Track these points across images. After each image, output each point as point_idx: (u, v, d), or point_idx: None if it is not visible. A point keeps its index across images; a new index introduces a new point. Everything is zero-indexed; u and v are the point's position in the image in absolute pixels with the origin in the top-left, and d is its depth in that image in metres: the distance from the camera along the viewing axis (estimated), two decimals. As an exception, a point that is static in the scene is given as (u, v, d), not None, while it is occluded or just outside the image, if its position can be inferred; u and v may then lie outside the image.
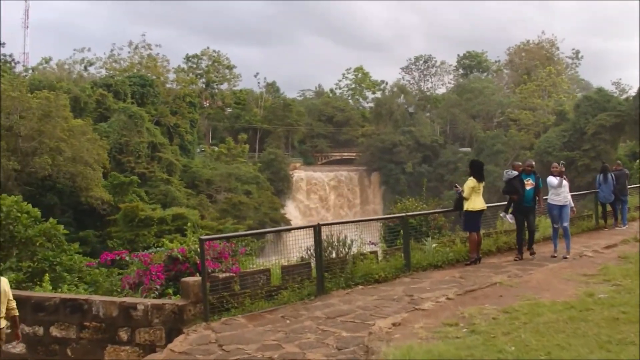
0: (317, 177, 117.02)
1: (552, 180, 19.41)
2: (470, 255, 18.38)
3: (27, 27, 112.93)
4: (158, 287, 14.01)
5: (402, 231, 17.94)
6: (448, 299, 12.82)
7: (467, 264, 18.06)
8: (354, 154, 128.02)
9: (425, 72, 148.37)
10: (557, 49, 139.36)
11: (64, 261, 21.51)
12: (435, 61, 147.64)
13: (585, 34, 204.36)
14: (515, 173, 19.13)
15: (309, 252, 15.97)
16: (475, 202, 18.21)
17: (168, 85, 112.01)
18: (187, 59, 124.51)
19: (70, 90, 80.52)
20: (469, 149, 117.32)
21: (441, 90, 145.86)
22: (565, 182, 19.48)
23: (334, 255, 15.87)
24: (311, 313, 13.07)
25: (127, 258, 17.47)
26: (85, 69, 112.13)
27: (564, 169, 19.87)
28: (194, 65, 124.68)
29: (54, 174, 62.95)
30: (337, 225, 16.37)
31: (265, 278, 14.37)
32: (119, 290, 16.13)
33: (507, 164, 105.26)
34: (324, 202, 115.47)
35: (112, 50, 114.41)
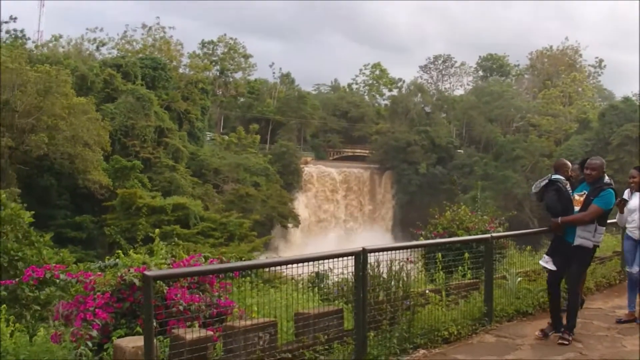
0: (328, 172, 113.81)
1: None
2: None
3: (43, 5, 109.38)
4: (96, 333, 8.69)
5: (483, 261, 11.99)
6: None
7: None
8: (367, 151, 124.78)
9: (443, 72, 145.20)
10: (580, 56, 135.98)
11: (27, 256, 18.19)
12: (455, 61, 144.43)
13: (604, 45, 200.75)
14: (558, 179, 11.24)
15: (339, 285, 10.90)
16: None
17: (181, 70, 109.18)
18: (203, 44, 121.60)
19: (78, 68, 77.68)
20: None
21: (459, 92, 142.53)
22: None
23: (380, 297, 9.76)
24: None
25: (62, 276, 11.24)
26: (97, 48, 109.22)
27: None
28: (209, 52, 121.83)
29: (50, 153, 59.98)
30: (390, 251, 10.04)
31: (269, 337, 8.32)
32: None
33: (525, 170, 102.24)
34: (334, 199, 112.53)
35: (125, 32, 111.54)
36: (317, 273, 12.71)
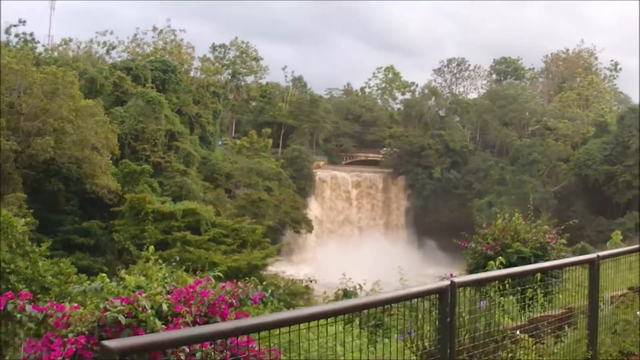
0: (341, 177, 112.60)
1: None
2: None
3: (54, 8, 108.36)
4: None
5: (588, 287, 8.89)
6: None
7: None
8: (380, 156, 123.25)
9: (457, 76, 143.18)
10: (596, 59, 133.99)
11: (20, 268, 16.47)
12: (469, 65, 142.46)
13: (618, 49, 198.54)
14: None
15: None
16: None
17: (192, 74, 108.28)
18: (214, 48, 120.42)
19: (87, 70, 76.59)
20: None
21: (473, 95, 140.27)
22: None
23: (466, 339, 7.01)
24: None
25: (27, 308, 8.32)
26: (107, 52, 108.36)
27: None
28: (221, 55, 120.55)
29: (57, 157, 58.60)
30: (485, 283, 7.65)
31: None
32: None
33: (541, 175, 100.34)
34: (347, 203, 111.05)
35: (135, 35, 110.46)
36: (345, 291, 10.99)
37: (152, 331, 7.00)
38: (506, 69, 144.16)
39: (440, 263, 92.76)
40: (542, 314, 8.74)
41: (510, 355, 7.31)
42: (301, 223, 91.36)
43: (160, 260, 10.65)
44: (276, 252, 61.49)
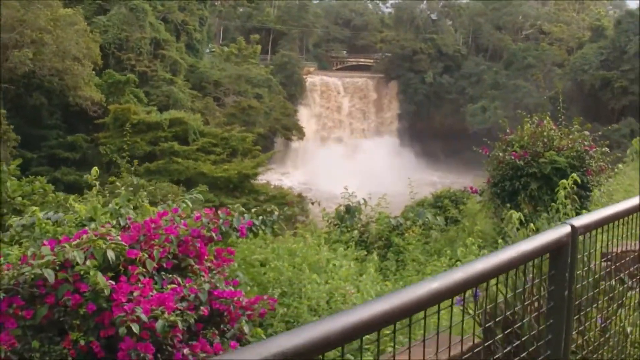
0: (331, 82, 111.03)
1: None
2: None
3: None
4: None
5: None
6: None
7: None
8: (372, 61, 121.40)
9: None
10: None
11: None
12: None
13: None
14: None
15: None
16: None
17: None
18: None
19: (65, -22, 74.10)
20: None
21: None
22: None
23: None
24: None
25: None
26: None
27: None
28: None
29: (37, 70, 56.53)
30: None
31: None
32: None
33: (536, 80, 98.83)
34: (338, 109, 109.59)
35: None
36: (348, 207, 9.69)
37: (95, 290, 5.07)
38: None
39: (443, 169, 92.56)
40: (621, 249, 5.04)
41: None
42: (292, 130, 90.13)
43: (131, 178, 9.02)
44: (267, 160, 60.24)
